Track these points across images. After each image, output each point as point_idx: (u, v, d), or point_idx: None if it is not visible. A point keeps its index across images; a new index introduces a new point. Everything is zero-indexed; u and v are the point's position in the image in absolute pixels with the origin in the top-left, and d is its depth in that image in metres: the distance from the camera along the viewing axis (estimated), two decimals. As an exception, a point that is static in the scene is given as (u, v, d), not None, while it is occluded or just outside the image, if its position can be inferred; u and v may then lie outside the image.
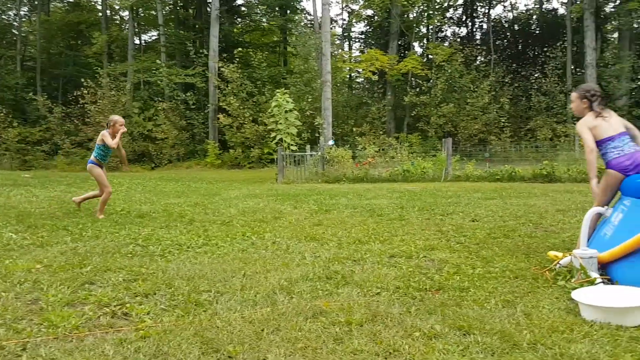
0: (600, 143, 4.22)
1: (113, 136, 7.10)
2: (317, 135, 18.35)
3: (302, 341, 2.67)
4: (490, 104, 25.48)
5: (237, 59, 26.48)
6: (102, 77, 26.71)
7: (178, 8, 33.08)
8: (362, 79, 33.39)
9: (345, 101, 30.23)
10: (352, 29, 37.30)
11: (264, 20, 32.73)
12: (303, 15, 34.94)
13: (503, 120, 25.02)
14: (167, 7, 32.25)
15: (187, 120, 27.26)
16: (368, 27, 36.07)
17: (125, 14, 33.60)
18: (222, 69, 24.99)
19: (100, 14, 33.35)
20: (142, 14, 33.72)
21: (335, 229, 6.21)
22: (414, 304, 3.26)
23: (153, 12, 31.99)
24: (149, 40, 36.26)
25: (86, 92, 25.56)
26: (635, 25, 26.70)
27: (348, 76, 34.72)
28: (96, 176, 7.19)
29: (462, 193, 10.43)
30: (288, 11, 31.96)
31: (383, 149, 18.44)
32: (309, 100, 23.83)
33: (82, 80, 26.25)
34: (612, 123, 4.23)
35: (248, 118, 24.59)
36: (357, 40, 38.49)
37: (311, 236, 5.69)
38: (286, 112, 16.18)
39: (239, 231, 6.09)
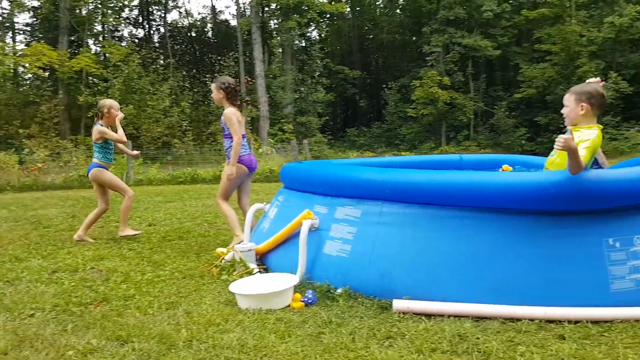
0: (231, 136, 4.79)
1: (109, 127, 5.66)
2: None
3: None
4: (172, 108, 25.74)
5: None
6: None
7: None
8: (30, 75, 29.44)
9: (8, 99, 26.13)
10: (16, 20, 32.45)
11: None
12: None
13: (185, 124, 25.58)
14: None
15: None
16: (35, 19, 32.01)
17: None
18: None
19: None
20: None
21: (-17, 248, 5.26)
22: (72, 321, 3.01)
23: None
24: None
25: None
26: (296, 42, 30.81)
27: (12, 71, 30.07)
28: (108, 181, 5.60)
29: (143, 197, 10.22)
30: None
31: (57, 153, 16.70)
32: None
33: None
34: (242, 123, 4.82)
35: None
36: (21, 32, 33.78)
37: (-53, 261, 4.68)
38: None
39: None
